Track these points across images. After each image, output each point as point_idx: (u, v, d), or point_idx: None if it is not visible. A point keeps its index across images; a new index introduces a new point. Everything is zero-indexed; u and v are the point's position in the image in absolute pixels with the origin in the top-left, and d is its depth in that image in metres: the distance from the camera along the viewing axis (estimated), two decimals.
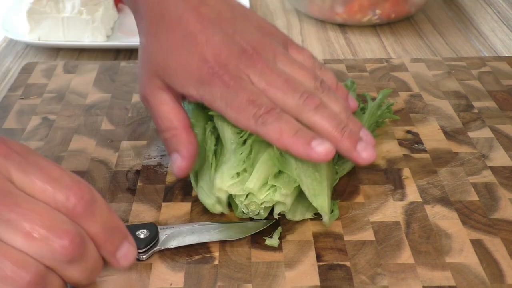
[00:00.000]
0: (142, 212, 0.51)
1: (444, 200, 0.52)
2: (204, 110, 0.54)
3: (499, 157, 0.58)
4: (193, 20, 0.51)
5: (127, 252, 0.42)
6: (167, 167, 0.56)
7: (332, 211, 0.49)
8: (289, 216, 0.49)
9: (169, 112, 0.51)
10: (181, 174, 0.51)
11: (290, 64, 0.52)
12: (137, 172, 0.56)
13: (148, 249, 0.46)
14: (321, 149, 0.47)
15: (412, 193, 0.53)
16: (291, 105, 0.49)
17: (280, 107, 0.49)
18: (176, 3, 0.52)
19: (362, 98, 0.63)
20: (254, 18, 0.55)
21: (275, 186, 0.48)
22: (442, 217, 0.50)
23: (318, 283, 0.45)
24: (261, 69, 0.50)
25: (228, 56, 0.50)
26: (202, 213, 0.51)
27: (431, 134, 0.61)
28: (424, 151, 0.59)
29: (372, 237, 0.48)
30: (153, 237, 0.47)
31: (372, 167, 0.56)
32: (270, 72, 0.50)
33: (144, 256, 0.46)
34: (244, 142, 0.50)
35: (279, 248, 0.48)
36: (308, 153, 0.47)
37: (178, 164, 0.50)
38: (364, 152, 0.49)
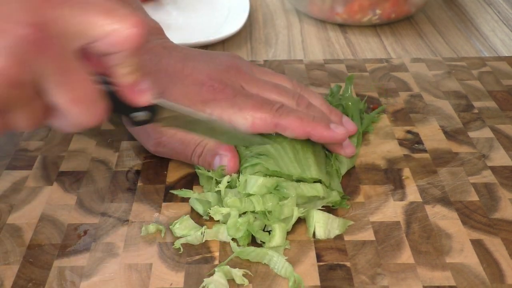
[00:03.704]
0: (142, 212, 0.51)
1: (444, 200, 0.52)
2: None
3: (499, 157, 0.58)
4: (172, 62, 0.55)
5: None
6: (167, 167, 0.56)
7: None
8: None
9: (186, 134, 0.53)
10: (235, 168, 0.52)
11: (267, 73, 0.57)
12: (137, 172, 0.56)
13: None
14: (340, 130, 0.53)
15: (412, 193, 0.53)
16: (287, 105, 0.54)
17: None
18: (147, 59, 0.55)
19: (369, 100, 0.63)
20: (216, 52, 0.59)
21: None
22: (442, 217, 0.50)
23: (318, 283, 0.44)
24: (250, 79, 0.55)
25: (219, 73, 0.54)
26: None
27: (431, 134, 0.61)
28: (424, 151, 0.59)
29: (372, 237, 0.48)
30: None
31: (372, 167, 0.56)
32: (258, 80, 0.55)
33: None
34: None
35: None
36: (330, 135, 0.52)
37: (229, 161, 0.52)
38: (348, 148, 0.55)
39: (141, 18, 0.39)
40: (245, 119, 0.52)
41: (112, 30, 0.38)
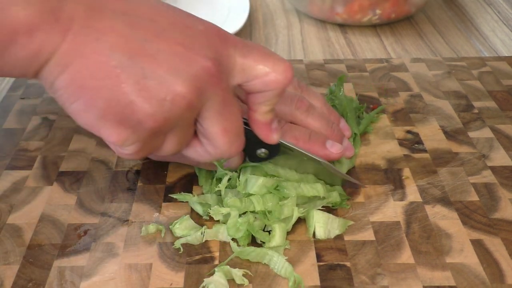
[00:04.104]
0: (142, 212, 0.51)
1: (444, 200, 0.52)
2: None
3: (499, 157, 0.58)
4: None
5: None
6: (167, 167, 0.56)
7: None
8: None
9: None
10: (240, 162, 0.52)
11: None
12: (137, 172, 0.56)
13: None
14: (335, 149, 0.53)
15: (412, 193, 0.53)
16: (285, 111, 0.54)
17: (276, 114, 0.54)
18: None
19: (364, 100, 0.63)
20: None
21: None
22: (442, 217, 0.50)
23: (318, 283, 0.45)
24: None
25: None
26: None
27: (431, 134, 0.61)
28: (424, 151, 0.59)
29: (372, 237, 0.48)
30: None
31: (372, 167, 0.56)
32: None
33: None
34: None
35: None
36: (325, 154, 0.53)
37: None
38: (348, 151, 0.56)
39: (290, 64, 0.45)
40: None
41: (268, 72, 0.44)
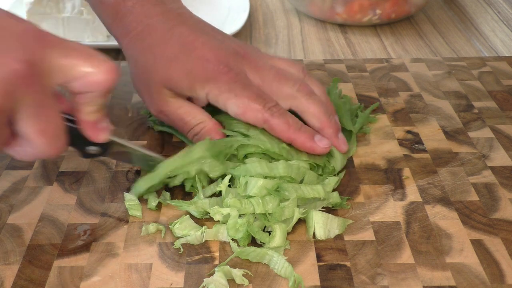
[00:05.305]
0: (142, 212, 0.51)
1: (444, 200, 0.52)
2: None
3: (499, 157, 0.58)
4: (185, 32, 0.56)
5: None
6: None
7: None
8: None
9: (189, 111, 0.56)
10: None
11: (274, 59, 0.58)
12: (137, 172, 0.56)
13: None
14: (323, 144, 0.54)
15: (412, 193, 0.53)
16: (286, 93, 0.55)
17: (277, 96, 0.55)
18: (161, 21, 0.57)
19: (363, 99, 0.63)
20: (229, 36, 0.61)
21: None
22: (442, 217, 0.50)
23: (318, 283, 0.44)
24: (255, 66, 0.56)
25: (226, 56, 0.55)
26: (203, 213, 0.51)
27: (431, 134, 0.61)
28: (424, 151, 0.59)
29: (372, 237, 0.48)
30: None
31: (372, 167, 0.56)
32: (263, 68, 0.56)
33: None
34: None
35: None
36: (311, 146, 0.54)
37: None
38: (342, 143, 0.56)
39: (115, 64, 0.44)
40: (238, 107, 0.54)
41: (89, 72, 0.43)
